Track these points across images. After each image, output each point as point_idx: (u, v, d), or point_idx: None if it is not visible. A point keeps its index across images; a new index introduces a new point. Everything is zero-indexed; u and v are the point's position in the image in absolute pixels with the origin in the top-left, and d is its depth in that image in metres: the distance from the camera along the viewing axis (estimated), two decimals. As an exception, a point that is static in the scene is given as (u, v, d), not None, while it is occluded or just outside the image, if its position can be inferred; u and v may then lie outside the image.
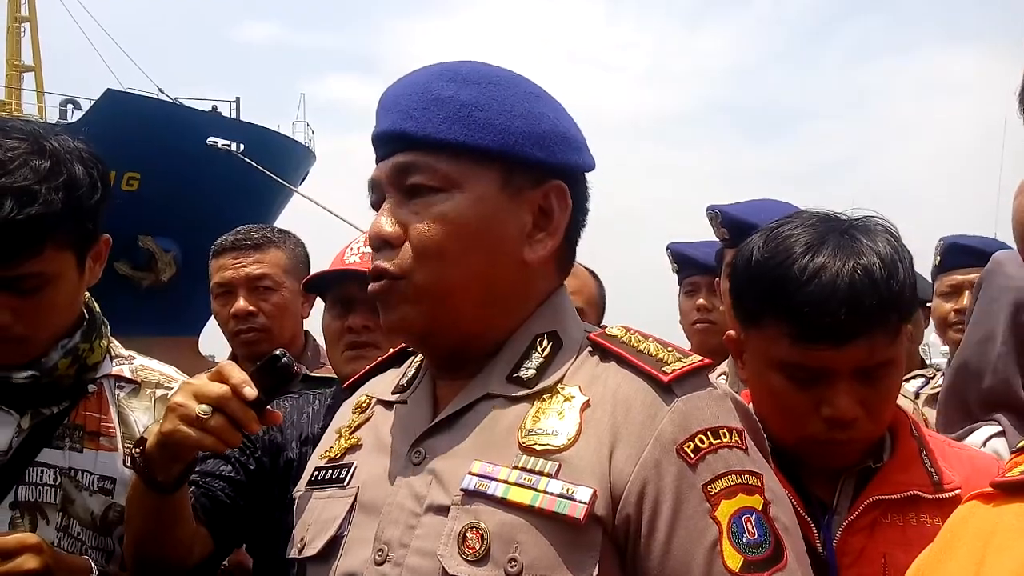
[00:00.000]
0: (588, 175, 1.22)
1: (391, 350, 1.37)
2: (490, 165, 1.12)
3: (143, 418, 1.68)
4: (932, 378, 2.86)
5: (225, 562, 2.06)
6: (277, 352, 1.29)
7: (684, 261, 2.96)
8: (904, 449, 1.37)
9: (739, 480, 1.04)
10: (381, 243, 1.13)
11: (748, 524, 1.02)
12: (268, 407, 1.31)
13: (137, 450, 1.36)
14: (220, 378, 1.28)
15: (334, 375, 2.07)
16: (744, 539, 1.02)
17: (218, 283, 2.57)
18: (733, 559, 1.00)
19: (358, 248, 1.94)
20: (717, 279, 2.35)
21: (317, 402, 1.96)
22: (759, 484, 1.06)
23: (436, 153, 1.11)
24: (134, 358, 1.75)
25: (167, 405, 1.29)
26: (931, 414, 2.44)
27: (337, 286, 1.95)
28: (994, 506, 0.79)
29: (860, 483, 1.36)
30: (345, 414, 1.32)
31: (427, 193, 1.11)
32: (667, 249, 3.04)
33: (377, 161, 1.17)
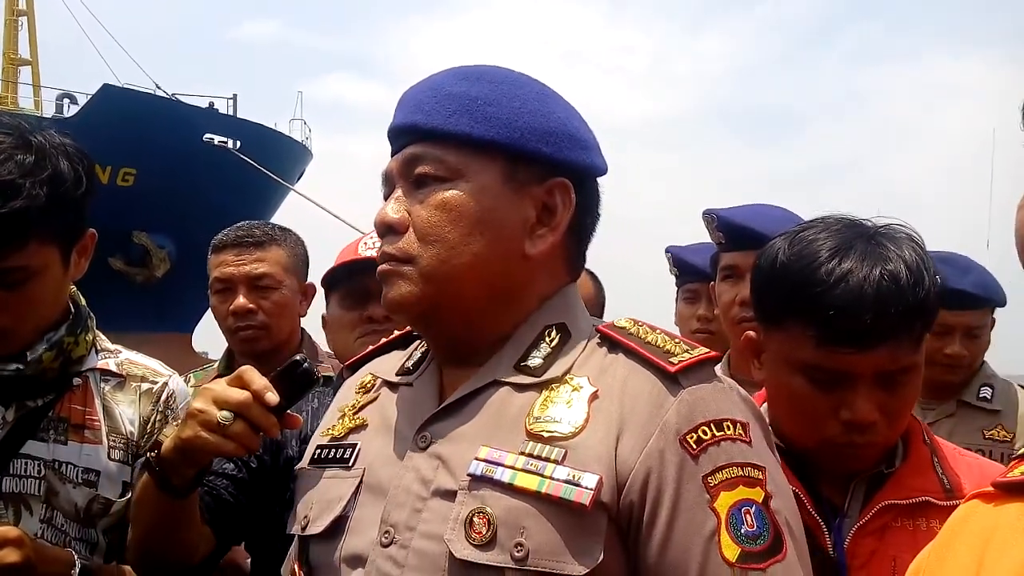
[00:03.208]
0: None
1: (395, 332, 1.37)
2: (495, 157, 1.14)
3: (128, 411, 1.68)
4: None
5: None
6: (298, 357, 1.28)
7: (684, 267, 2.87)
8: (917, 455, 1.38)
9: (740, 472, 1.05)
10: (386, 229, 1.17)
11: (747, 516, 1.03)
12: (288, 412, 1.29)
13: (152, 454, 1.35)
14: (241, 384, 1.27)
15: (333, 375, 2.06)
16: (743, 531, 1.02)
17: (218, 279, 2.53)
18: (730, 550, 1.01)
19: (372, 243, 1.94)
20: (712, 283, 2.34)
21: (316, 400, 1.96)
22: (761, 477, 1.06)
23: (443, 145, 1.14)
24: (119, 352, 1.75)
25: (187, 411, 1.27)
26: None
27: (351, 279, 1.95)
28: (995, 506, 0.79)
29: (871, 487, 1.37)
30: (348, 393, 1.32)
31: (433, 183, 1.14)
32: (666, 252, 2.98)
33: (391, 156, 1.20)
